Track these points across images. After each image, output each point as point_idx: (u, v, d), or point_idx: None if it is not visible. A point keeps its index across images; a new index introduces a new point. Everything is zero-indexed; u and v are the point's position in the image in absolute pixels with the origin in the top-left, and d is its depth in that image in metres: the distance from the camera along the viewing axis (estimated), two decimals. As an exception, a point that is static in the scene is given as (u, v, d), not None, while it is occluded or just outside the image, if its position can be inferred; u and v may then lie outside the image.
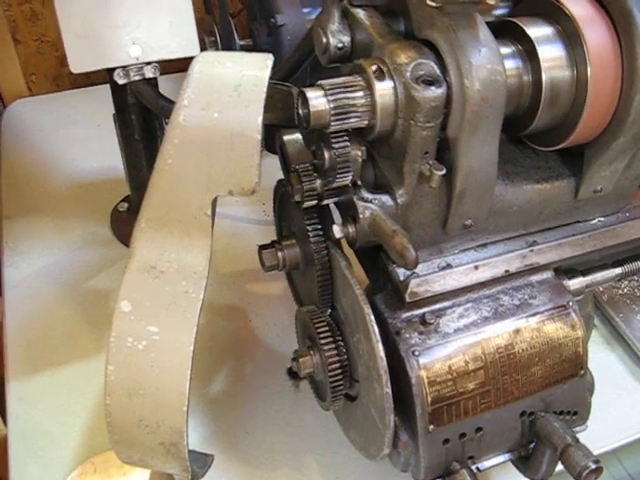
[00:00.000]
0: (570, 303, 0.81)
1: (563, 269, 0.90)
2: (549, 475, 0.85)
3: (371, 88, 0.68)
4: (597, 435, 0.97)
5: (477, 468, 0.83)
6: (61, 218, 1.32)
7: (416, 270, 0.78)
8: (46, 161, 1.45)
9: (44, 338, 1.09)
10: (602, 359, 1.14)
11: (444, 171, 0.69)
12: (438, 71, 0.67)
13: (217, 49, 1.29)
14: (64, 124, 1.55)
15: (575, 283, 0.91)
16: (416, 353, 0.74)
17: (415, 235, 0.75)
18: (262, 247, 0.85)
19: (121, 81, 0.97)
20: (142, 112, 1.07)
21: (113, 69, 0.97)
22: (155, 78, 1.00)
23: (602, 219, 0.88)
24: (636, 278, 1.26)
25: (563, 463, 0.78)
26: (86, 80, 1.60)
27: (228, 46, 1.28)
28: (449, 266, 0.79)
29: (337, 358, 0.78)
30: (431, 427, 0.75)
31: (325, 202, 0.76)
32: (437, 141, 0.70)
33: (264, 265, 0.85)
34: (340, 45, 0.76)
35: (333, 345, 0.79)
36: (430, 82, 0.66)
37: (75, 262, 1.22)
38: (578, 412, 0.85)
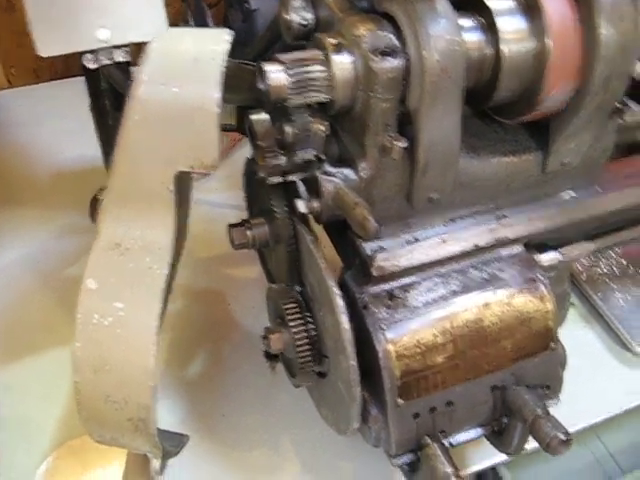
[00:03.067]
0: (540, 277, 0.81)
1: (536, 244, 0.90)
2: (521, 449, 0.85)
3: (329, 61, 0.68)
4: (576, 412, 0.98)
5: (450, 443, 0.82)
6: (42, 208, 1.32)
7: (383, 245, 0.78)
8: (27, 152, 1.45)
9: (22, 325, 1.09)
10: (581, 337, 1.14)
11: (405, 143, 0.69)
12: (396, 43, 0.67)
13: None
14: (44, 116, 1.55)
15: (548, 258, 0.91)
16: (383, 327, 0.74)
17: (381, 209, 0.75)
18: (232, 226, 0.85)
19: (91, 65, 0.97)
20: (116, 98, 1.06)
21: (83, 53, 0.96)
22: (127, 62, 1.00)
23: (573, 193, 0.88)
24: (614, 256, 1.26)
25: (533, 435, 0.78)
26: (66, 71, 1.59)
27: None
28: (417, 240, 0.79)
29: (305, 334, 0.78)
30: (400, 401, 0.75)
31: (290, 178, 0.76)
32: (398, 114, 0.70)
33: (233, 243, 0.85)
34: (304, 22, 0.76)
35: (301, 321, 0.79)
36: (388, 53, 0.66)
37: (54, 251, 1.22)
38: (550, 386, 0.84)
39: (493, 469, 1.04)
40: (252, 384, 1.01)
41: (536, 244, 0.91)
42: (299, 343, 0.78)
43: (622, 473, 1.07)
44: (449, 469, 0.76)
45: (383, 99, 0.67)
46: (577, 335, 1.14)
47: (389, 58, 0.66)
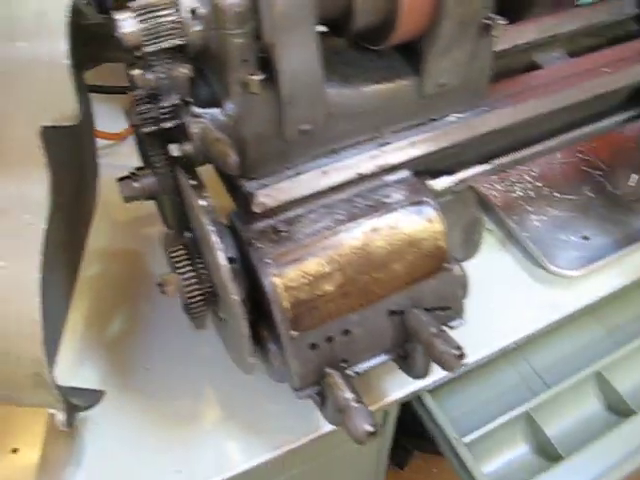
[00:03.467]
0: (427, 199, 0.82)
1: (433, 170, 0.91)
2: (427, 371, 0.87)
3: (178, 5, 0.68)
4: (498, 332, 1.00)
5: (355, 372, 0.84)
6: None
7: (265, 182, 0.79)
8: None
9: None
10: (498, 261, 1.15)
11: (262, 76, 0.69)
12: (242, -22, 0.67)
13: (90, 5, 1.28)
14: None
15: (441, 182, 0.92)
16: (268, 261, 0.75)
17: (257, 147, 0.76)
18: (120, 179, 0.86)
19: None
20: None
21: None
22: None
23: (459, 115, 0.89)
24: (529, 180, 1.28)
25: (429, 355, 0.79)
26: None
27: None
28: (298, 174, 0.80)
29: (193, 279, 0.79)
30: (294, 333, 0.76)
31: (164, 125, 0.76)
32: (258, 48, 0.70)
33: (124, 196, 0.85)
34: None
35: (189, 267, 0.79)
36: (233, -12, 0.66)
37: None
38: (451, 306, 0.86)
39: (418, 398, 1.06)
40: (173, 338, 1.02)
41: (433, 170, 0.92)
42: (188, 288, 0.78)
43: (548, 388, 1.09)
44: (349, 395, 0.77)
45: (235, 35, 0.67)
46: (494, 259, 1.15)
47: (234, -7, 0.66)
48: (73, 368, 0.99)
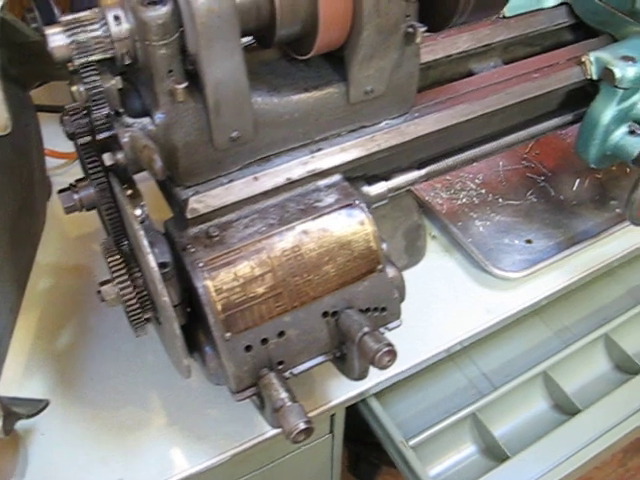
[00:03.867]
0: (357, 202, 0.84)
1: (366, 176, 0.94)
2: (365, 373, 0.88)
3: (105, 19, 0.70)
4: (442, 335, 1.02)
5: (291, 373, 0.85)
6: None
7: (199, 189, 0.81)
8: None
9: None
10: (442, 266, 1.18)
11: (185, 84, 0.72)
12: (164, -10, 0.70)
13: (38, 24, 1.30)
14: None
15: (376, 188, 0.94)
16: (200, 264, 0.77)
17: (189, 155, 0.78)
18: (60, 191, 0.87)
19: None
20: None
21: None
22: None
23: (390, 121, 0.91)
24: (473, 187, 1.30)
25: (361, 354, 0.81)
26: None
27: (49, 20, 1.29)
28: (231, 181, 0.82)
29: (129, 286, 0.80)
30: (227, 335, 0.78)
31: (100, 136, 0.78)
32: (184, 58, 0.72)
33: (64, 207, 0.87)
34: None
35: (126, 274, 0.81)
36: (155, 2, 0.69)
37: None
38: (387, 308, 0.88)
39: (364, 401, 1.08)
40: (119, 348, 1.04)
41: (368, 176, 0.94)
42: (125, 294, 0.80)
43: (495, 390, 1.11)
44: (283, 394, 0.79)
45: (159, 46, 0.70)
46: (439, 264, 1.18)
47: (157, 6, 0.68)
48: (21, 380, 1.00)
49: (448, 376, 1.16)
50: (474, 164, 1.23)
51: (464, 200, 1.28)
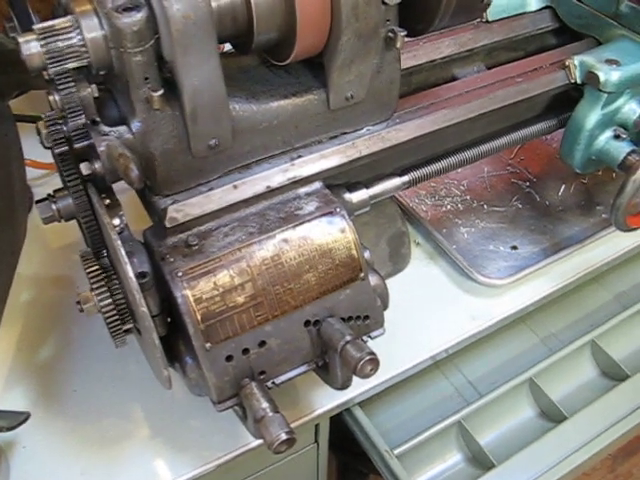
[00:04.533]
0: (338, 209, 0.83)
1: (348, 183, 0.93)
2: (348, 382, 0.87)
3: (79, 26, 0.69)
4: (427, 343, 1.02)
5: (273, 383, 0.84)
6: None
7: (178, 197, 0.81)
8: None
9: None
10: (426, 273, 1.17)
11: (161, 91, 0.71)
12: (140, -2, 0.69)
13: (17, 33, 1.29)
14: None
15: (358, 195, 0.94)
16: (179, 274, 0.76)
17: (164, 162, 0.77)
18: (37, 201, 0.86)
19: None
20: None
21: None
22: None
23: (371, 127, 0.91)
24: (458, 193, 1.30)
25: (343, 362, 0.80)
26: None
27: (28, 28, 1.28)
28: (211, 189, 0.81)
29: (108, 296, 0.79)
30: (208, 345, 0.77)
31: (76, 145, 0.77)
32: (159, 65, 0.72)
33: (42, 218, 0.86)
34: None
35: (104, 284, 0.80)
36: (130, 9, 0.68)
37: None
38: (370, 316, 0.87)
39: (348, 410, 1.07)
40: (102, 359, 1.03)
41: (350, 183, 0.94)
42: (103, 304, 0.79)
43: (481, 398, 1.11)
44: (265, 405, 0.78)
45: (134, 53, 0.69)
46: (423, 272, 1.17)
47: (132, 13, 0.68)
48: (2, 392, 0.99)
49: (434, 384, 1.16)
50: (459, 170, 1.24)
51: (449, 207, 1.28)
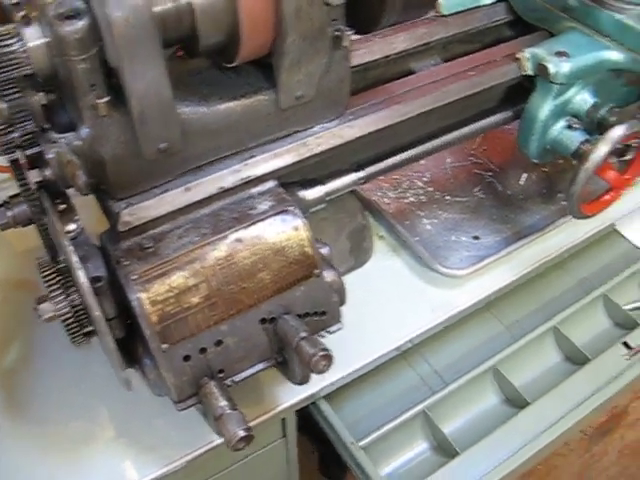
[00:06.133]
0: (291, 207, 0.84)
1: (303, 181, 0.94)
2: (307, 377, 0.89)
3: (21, 35, 0.70)
4: (391, 335, 1.03)
5: (233, 381, 0.85)
6: None
7: (132, 201, 0.81)
8: None
9: None
10: (389, 266, 1.18)
11: (107, 98, 0.72)
12: (82, 5, 0.69)
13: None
14: None
15: (313, 192, 0.95)
16: (134, 277, 0.77)
17: (115, 167, 0.78)
18: (-8, 208, 0.87)
19: None
20: None
21: None
22: None
23: (323, 125, 0.91)
24: (421, 185, 1.31)
25: (299, 359, 0.81)
26: None
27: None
28: (164, 192, 0.82)
29: (64, 303, 0.80)
30: (165, 346, 0.78)
31: (27, 153, 0.78)
32: (103, 72, 0.72)
33: (-1, 224, 0.86)
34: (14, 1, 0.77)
35: (60, 289, 0.81)
36: (72, 16, 0.69)
37: None
38: (326, 312, 0.88)
39: (314, 404, 1.08)
40: (67, 362, 1.04)
41: (305, 181, 0.95)
42: (59, 309, 0.80)
43: (445, 386, 1.12)
44: (223, 403, 0.79)
45: (78, 60, 0.70)
46: (387, 264, 1.18)
47: (74, 20, 0.68)
48: (-32, 400, 1.00)
49: (401, 375, 1.17)
50: (421, 162, 1.25)
51: (411, 199, 1.29)
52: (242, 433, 0.76)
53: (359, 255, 1.13)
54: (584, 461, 1.83)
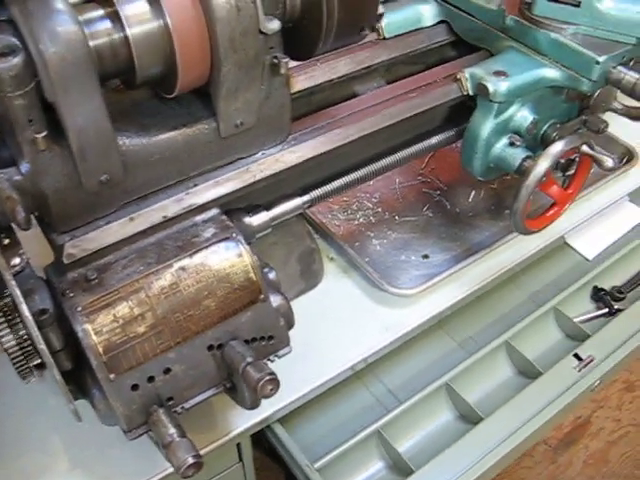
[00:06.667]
0: (234, 234, 0.85)
1: (248, 207, 0.95)
2: (257, 401, 0.89)
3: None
4: (342, 356, 1.04)
5: (182, 407, 0.86)
6: None
7: (77, 233, 0.82)
8: None
9: None
10: (340, 287, 1.19)
11: (45, 133, 0.72)
12: (17, 42, 0.70)
13: None
14: None
15: (258, 218, 0.96)
16: (79, 309, 0.78)
17: (57, 200, 0.78)
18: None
19: None
20: None
21: None
22: None
23: (266, 151, 0.93)
24: (370, 206, 1.33)
25: (245, 384, 0.82)
26: None
27: None
28: (107, 223, 0.83)
29: (9, 337, 0.80)
30: (112, 376, 0.79)
31: (-32, 188, 0.78)
32: (41, 107, 0.73)
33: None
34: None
35: (4, 323, 0.81)
36: (7, 54, 0.69)
37: None
38: (274, 336, 0.89)
39: (268, 427, 1.09)
40: (20, 393, 1.03)
41: (250, 207, 0.96)
42: (6, 344, 0.80)
43: (399, 405, 1.13)
44: (172, 430, 0.80)
45: (14, 97, 0.70)
46: (338, 286, 1.19)
47: (8, 57, 0.69)
48: None
49: (355, 395, 1.18)
50: (370, 183, 1.27)
51: (361, 220, 1.31)
52: (191, 460, 0.76)
53: (309, 278, 1.14)
54: (549, 472, 1.85)
